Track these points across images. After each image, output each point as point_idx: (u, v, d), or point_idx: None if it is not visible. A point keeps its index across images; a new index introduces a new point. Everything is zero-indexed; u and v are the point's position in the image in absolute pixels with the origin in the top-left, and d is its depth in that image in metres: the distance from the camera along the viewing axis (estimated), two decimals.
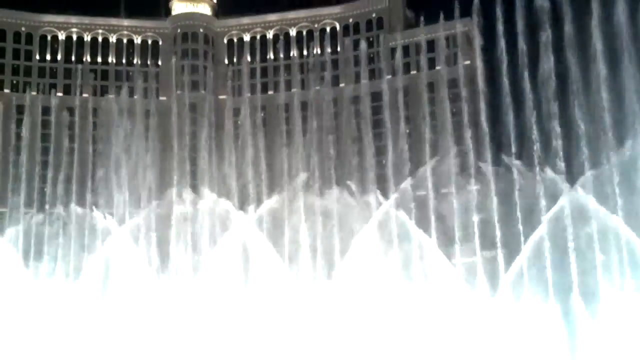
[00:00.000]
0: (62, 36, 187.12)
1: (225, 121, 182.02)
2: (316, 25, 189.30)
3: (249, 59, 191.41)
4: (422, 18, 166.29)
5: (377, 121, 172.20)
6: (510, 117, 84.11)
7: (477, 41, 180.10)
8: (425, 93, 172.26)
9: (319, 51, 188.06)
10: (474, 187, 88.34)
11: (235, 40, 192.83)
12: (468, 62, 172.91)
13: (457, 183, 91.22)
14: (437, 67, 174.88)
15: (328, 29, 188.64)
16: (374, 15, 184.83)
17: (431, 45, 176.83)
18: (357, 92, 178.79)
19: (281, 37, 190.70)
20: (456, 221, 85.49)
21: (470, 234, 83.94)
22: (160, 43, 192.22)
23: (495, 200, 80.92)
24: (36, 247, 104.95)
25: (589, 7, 75.74)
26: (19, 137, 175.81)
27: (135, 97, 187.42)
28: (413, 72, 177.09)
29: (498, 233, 78.30)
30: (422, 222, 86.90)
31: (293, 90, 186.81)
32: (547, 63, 78.38)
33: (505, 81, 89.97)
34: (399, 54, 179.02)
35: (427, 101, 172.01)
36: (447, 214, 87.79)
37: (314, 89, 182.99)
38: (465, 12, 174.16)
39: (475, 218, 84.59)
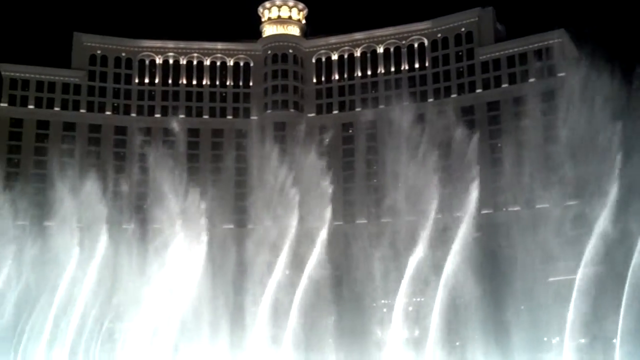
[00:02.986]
0: (159, 60, 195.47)
1: (313, 138, 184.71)
2: (404, 42, 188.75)
3: (336, 77, 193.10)
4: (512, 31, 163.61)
5: (468, 135, 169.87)
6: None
7: (571, 52, 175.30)
8: (517, 106, 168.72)
9: (406, 67, 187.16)
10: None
11: (323, 59, 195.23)
12: (562, 74, 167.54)
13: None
14: (530, 80, 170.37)
15: (416, 45, 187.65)
16: (463, 29, 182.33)
17: (523, 58, 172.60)
18: (446, 106, 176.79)
19: (368, 55, 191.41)
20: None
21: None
22: (252, 65, 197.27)
23: None
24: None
25: None
26: (118, 156, 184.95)
27: (228, 117, 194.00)
28: (504, 85, 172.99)
29: None
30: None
31: (380, 106, 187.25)
32: None
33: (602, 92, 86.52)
34: (490, 67, 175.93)
35: (519, 114, 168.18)
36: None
37: (401, 104, 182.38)
38: (557, 24, 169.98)
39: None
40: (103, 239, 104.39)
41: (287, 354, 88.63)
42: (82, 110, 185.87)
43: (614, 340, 73.57)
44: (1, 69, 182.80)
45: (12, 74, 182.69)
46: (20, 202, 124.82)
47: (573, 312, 74.61)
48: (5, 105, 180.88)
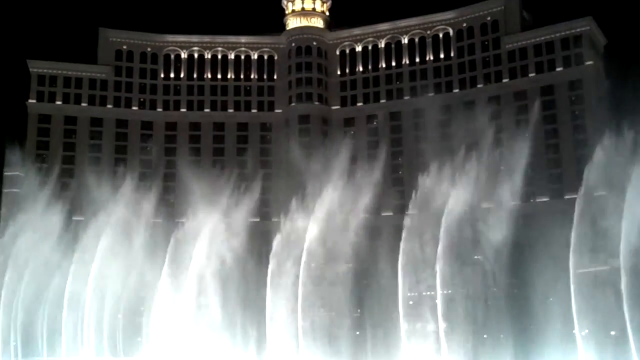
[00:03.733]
0: (184, 55, 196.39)
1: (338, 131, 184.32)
2: (428, 32, 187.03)
3: (361, 69, 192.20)
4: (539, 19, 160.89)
5: (495, 126, 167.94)
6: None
7: (599, 40, 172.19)
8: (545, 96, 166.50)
9: (431, 58, 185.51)
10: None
11: (347, 51, 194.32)
12: (590, 62, 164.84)
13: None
14: (558, 69, 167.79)
15: (441, 35, 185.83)
16: (488, 18, 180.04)
17: (550, 46, 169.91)
18: (472, 97, 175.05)
19: (393, 46, 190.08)
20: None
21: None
22: (276, 58, 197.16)
23: None
24: None
25: None
26: (145, 151, 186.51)
27: (253, 111, 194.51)
28: (531, 74, 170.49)
29: None
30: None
31: (405, 97, 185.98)
32: None
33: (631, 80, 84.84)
34: (516, 56, 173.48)
35: (547, 104, 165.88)
36: None
37: (426, 95, 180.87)
38: (585, 11, 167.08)
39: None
40: (131, 233, 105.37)
41: (314, 345, 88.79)
42: (109, 106, 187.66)
43: None
44: (29, 65, 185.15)
45: (40, 70, 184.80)
46: (50, 197, 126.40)
47: (602, 304, 73.52)
48: (34, 101, 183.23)
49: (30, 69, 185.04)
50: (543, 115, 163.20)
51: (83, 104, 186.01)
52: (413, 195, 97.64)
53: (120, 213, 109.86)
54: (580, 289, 76.34)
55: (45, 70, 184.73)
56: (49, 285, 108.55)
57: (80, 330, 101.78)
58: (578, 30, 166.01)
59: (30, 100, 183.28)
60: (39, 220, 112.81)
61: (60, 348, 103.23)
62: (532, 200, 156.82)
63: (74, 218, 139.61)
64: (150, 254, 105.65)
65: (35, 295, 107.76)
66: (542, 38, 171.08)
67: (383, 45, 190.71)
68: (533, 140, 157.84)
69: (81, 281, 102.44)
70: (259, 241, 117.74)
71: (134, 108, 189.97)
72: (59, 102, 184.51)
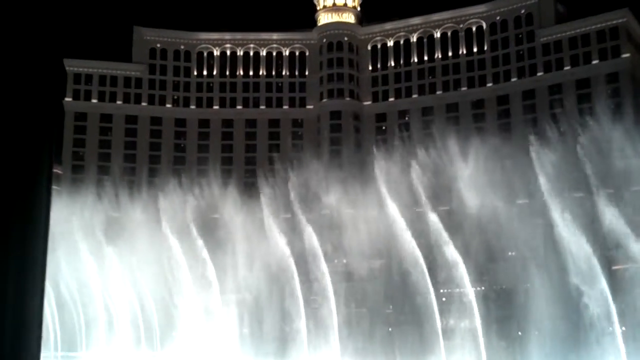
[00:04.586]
0: (217, 52, 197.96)
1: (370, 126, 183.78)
2: (461, 26, 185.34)
3: (392, 64, 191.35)
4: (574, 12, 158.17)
5: (528, 120, 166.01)
6: None
7: (636, 32, 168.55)
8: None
9: (464, 52, 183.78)
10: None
11: (378, 46, 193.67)
12: (627, 54, 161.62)
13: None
14: (594, 62, 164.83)
15: (474, 29, 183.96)
16: (522, 11, 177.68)
17: (586, 39, 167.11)
18: (506, 91, 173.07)
19: (425, 40, 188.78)
20: None
21: None
22: (307, 54, 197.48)
23: None
24: None
25: None
26: (179, 148, 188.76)
27: (285, 107, 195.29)
28: (567, 67, 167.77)
29: None
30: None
31: (437, 92, 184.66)
32: None
33: None
34: (551, 49, 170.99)
35: (582, 97, 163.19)
36: None
37: (459, 90, 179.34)
38: (622, 2, 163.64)
39: None
40: (166, 230, 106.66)
41: (346, 341, 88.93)
42: (143, 104, 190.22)
43: None
44: (65, 64, 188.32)
45: (76, 69, 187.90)
46: (86, 194, 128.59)
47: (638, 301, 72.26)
48: (70, 99, 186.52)
49: (67, 68, 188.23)
50: (578, 108, 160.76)
51: (118, 102, 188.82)
52: (445, 190, 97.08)
53: (155, 211, 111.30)
54: (617, 286, 75.17)
55: (81, 69, 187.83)
56: (85, 280, 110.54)
57: (116, 325, 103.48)
58: (614, 22, 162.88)
59: (66, 99, 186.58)
60: (76, 217, 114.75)
61: (97, 342, 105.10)
62: (566, 195, 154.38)
63: (110, 214, 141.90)
64: (183, 250, 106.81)
65: (73, 290, 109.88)
66: (578, 30, 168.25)
67: (415, 40, 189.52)
68: (567, 134, 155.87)
69: (118, 276, 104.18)
70: (290, 237, 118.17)
71: (168, 105, 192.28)
72: (94, 100, 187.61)
